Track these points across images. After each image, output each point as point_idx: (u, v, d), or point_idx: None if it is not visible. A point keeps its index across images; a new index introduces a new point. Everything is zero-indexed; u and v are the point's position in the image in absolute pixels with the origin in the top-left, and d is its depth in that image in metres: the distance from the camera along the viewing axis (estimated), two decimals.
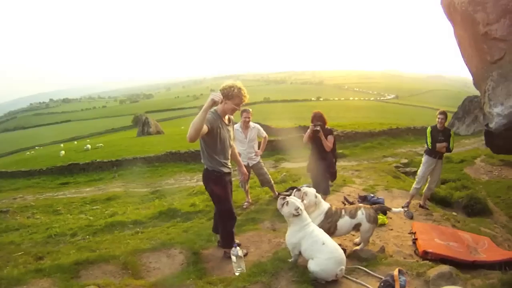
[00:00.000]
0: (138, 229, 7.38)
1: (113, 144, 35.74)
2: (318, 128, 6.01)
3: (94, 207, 11.94)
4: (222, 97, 3.85)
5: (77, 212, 11.53)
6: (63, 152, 31.96)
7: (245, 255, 4.86)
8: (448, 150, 7.08)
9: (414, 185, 7.48)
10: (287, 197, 4.09)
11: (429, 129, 7.14)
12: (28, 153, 44.88)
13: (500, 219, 8.31)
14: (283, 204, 4.02)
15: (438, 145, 6.95)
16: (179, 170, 18.61)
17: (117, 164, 21.16)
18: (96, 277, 4.56)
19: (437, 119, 7.04)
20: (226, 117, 4.55)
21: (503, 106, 5.26)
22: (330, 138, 6.18)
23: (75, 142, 53.15)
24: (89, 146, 34.07)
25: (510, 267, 4.57)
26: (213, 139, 4.35)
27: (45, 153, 36.92)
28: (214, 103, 3.77)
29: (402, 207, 7.21)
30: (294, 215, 3.95)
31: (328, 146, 6.14)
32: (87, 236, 7.55)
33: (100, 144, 35.20)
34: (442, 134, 7.00)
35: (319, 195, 4.68)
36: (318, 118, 6.15)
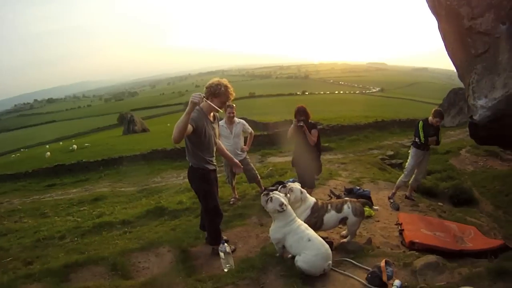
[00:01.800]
0: (126, 229, 7.32)
1: (99, 143, 35.44)
2: (301, 124, 6.05)
3: (82, 208, 11.77)
4: (202, 96, 3.82)
5: (64, 214, 11.37)
6: (48, 153, 31.46)
7: (233, 251, 4.90)
8: (437, 143, 7.21)
9: (401, 178, 7.54)
10: (270, 193, 4.09)
11: (421, 124, 7.16)
12: (13, 155, 44.07)
13: (486, 209, 8.38)
14: (267, 201, 4.02)
15: (430, 139, 7.03)
16: (166, 167, 18.47)
17: (104, 163, 20.94)
18: (86, 279, 4.55)
19: (435, 121, 7.06)
20: (211, 114, 4.56)
21: (487, 98, 5.32)
22: (314, 132, 6.22)
23: (61, 143, 52.46)
24: (75, 146, 33.55)
25: (496, 255, 4.66)
26: (198, 137, 4.35)
27: (31, 155, 36.44)
28: (194, 105, 3.76)
29: (388, 198, 7.38)
30: (279, 211, 3.95)
31: (313, 140, 6.19)
32: (76, 238, 7.45)
33: (87, 144, 34.81)
34: (432, 128, 7.08)
35: (304, 191, 4.69)
36: (302, 113, 6.18)
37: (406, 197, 7.63)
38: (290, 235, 3.94)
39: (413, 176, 7.59)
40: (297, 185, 4.67)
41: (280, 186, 4.71)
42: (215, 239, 4.83)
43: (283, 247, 4.07)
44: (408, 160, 7.56)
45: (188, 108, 3.75)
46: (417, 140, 7.21)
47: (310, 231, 4.00)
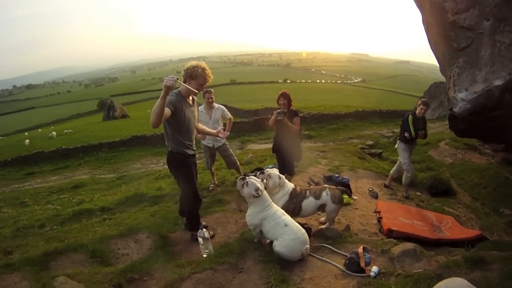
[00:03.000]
0: (105, 215, 7.25)
1: (79, 130, 35.13)
2: (281, 118, 6.02)
3: (61, 196, 11.70)
4: (175, 79, 3.78)
5: (44, 202, 11.30)
6: (27, 141, 31.01)
7: (212, 236, 4.92)
8: (425, 136, 7.31)
9: (405, 174, 7.57)
10: (246, 178, 4.11)
11: (411, 118, 7.19)
12: None
13: (464, 200, 8.56)
14: (243, 185, 4.04)
15: (419, 133, 7.10)
16: (145, 154, 18.50)
17: (83, 150, 20.78)
18: (65, 267, 4.52)
19: (419, 109, 7.15)
20: (190, 97, 4.55)
21: (468, 91, 5.40)
22: (296, 120, 6.21)
23: (40, 130, 51.85)
24: (54, 133, 33.10)
25: (473, 245, 4.75)
26: (177, 121, 4.34)
27: (9, 143, 35.77)
28: (168, 88, 3.71)
29: (405, 197, 7.46)
30: (255, 196, 3.98)
31: (296, 129, 6.19)
32: (55, 226, 7.37)
33: (70, 130, 34.39)
34: (421, 122, 7.17)
35: (283, 176, 4.72)
36: (285, 97, 6.18)
37: (385, 186, 7.73)
38: (266, 221, 3.98)
39: (395, 167, 7.74)
40: (275, 171, 4.70)
41: (259, 172, 4.72)
42: (194, 225, 4.84)
43: (261, 232, 4.10)
44: (401, 157, 7.56)
45: (162, 92, 3.72)
46: (406, 134, 7.22)
47: (287, 217, 4.04)
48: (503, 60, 4.94)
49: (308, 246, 3.95)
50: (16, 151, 24.80)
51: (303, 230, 4.00)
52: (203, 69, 4.36)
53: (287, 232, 3.87)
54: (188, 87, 4.30)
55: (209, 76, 4.44)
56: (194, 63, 4.42)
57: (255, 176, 4.40)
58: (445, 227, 5.63)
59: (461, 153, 12.52)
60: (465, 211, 7.59)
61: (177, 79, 3.86)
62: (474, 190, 9.27)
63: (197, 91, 4.44)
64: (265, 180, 4.42)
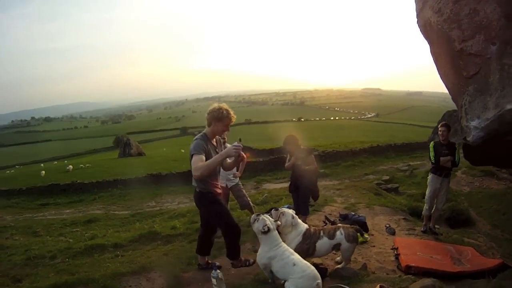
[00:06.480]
0: (118, 252, 7.24)
1: (95, 165, 35.36)
2: (299, 163, 6.09)
3: (74, 229, 11.68)
4: (241, 148, 4.09)
5: (56, 234, 11.28)
6: (43, 172, 31.27)
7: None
8: (454, 164, 6.83)
9: (425, 207, 7.35)
10: (261, 215, 4.20)
11: (432, 144, 6.95)
12: (8, 171, 43.72)
13: (483, 228, 8.41)
14: (254, 220, 4.15)
15: (442, 159, 6.72)
16: (160, 192, 18.44)
17: (98, 185, 20.86)
18: None
19: (439, 132, 6.91)
20: (214, 139, 4.69)
21: (480, 119, 5.32)
22: (311, 158, 6.25)
23: (55, 162, 52.48)
24: (70, 166, 33.42)
25: (495, 275, 4.62)
26: None
27: (26, 173, 36.13)
28: (231, 156, 4.09)
29: (422, 231, 7.14)
30: (262, 232, 4.02)
31: (314, 168, 6.23)
32: (67, 259, 7.35)
33: (88, 165, 34.74)
34: (446, 148, 6.76)
35: (296, 216, 4.70)
36: (291, 143, 6.30)
37: (430, 229, 7.29)
38: (275, 260, 3.98)
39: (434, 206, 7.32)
40: (289, 210, 4.70)
41: (273, 210, 4.74)
42: (236, 253, 5.04)
43: (271, 272, 4.09)
44: (427, 189, 7.30)
45: (224, 154, 4.10)
46: (430, 163, 7.04)
47: (295, 256, 4.02)
48: None
49: (319, 281, 3.87)
50: (32, 181, 24.85)
51: (312, 267, 3.95)
52: (227, 110, 4.52)
53: (296, 271, 3.83)
54: (223, 127, 4.60)
55: (233, 117, 4.61)
56: (216, 105, 4.58)
57: (270, 215, 4.41)
58: (465, 259, 5.51)
59: (478, 181, 12.39)
60: (485, 240, 7.43)
61: (241, 145, 4.17)
62: (493, 217, 9.10)
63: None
64: (278, 221, 4.44)
